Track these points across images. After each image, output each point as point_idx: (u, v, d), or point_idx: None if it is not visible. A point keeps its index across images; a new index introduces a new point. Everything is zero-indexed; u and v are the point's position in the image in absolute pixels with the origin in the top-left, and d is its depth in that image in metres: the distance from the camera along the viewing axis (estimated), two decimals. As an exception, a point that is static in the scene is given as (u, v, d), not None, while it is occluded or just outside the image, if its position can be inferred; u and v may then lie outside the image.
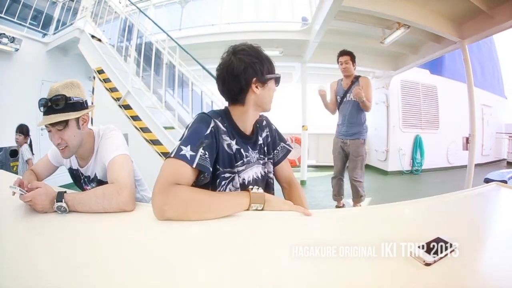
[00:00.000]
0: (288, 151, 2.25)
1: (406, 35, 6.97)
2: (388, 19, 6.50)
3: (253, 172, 1.96)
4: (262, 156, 2.06)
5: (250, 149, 1.94)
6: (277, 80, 1.91)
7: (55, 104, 1.89)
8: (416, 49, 8.59)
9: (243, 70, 1.75)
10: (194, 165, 1.57)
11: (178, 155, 1.56)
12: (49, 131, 1.96)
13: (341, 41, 8.17)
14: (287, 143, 2.27)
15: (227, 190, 1.81)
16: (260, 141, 2.05)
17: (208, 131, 1.69)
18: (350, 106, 5.29)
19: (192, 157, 1.57)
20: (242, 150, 1.88)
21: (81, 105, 2.02)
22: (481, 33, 6.21)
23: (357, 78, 5.25)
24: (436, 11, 6.27)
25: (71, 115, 1.94)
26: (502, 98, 15.60)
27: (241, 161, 1.88)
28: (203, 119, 1.76)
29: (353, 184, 5.44)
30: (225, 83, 1.81)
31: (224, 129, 1.80)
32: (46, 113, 1.91)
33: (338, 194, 5.82)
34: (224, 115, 1.88)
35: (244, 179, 1.89)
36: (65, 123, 1.94)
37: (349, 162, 5.49)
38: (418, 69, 10.69)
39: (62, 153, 2.05)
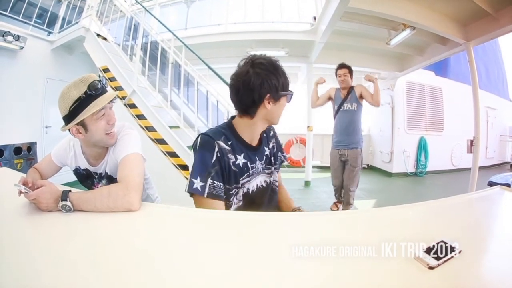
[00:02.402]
0: (282, 162, 2.31)
1: (412, 36, 6.95)
2: (393, 20, 6.49)
3: (257, 181, 2.02)
4: (268, 166, 2.11)
5: (257, 160, 2.00)
6: (289, 97, 1.93)
7: (104, 85, 2.01)
8: (421, 51, 8.56)
9: (259, 85, 1.79)
10: (205, 195, 1.72)
11: (192, 189, 1.73)
12: (103, 114, 2.01)
13: (347, 42, 8.19)
14: (284, 154, 2.32)
15: (233, 202, 1.88)
16: (267, 151, 2.10)
17: (214, 158, 1.78)
18: (347, 115, 5.51)
19: (202, 188, 1.72)
20: (248, 163, 1.94)
21: None
22: (487, 35, 6.19)
23: (352, 87, 5.52)
24: (441, 13, 6.25)
25: None
26: (507, 100, 15.54)
27: (247, 174, 1.94)
28: (207, 144, 1.81)
29: (348, 193, 5.64)
30: (239, 94, 1.84)
31: (229, 148, 1.86)
32: (103, 92, 2.00)
33: (338, 198, 5.98)
34: (229, 130, 1.94)
35: (248, 189, 1.96)
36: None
37: (346, 172, 5.62)
38: (423, 71, 10.63)
39: (112, 137, 2.10)
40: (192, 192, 1.74)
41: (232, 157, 1.85)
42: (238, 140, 1.92)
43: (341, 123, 5.55)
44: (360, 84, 5.51)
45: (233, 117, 2.03)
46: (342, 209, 5.86)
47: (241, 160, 1.90)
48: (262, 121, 1.93)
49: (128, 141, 2.06)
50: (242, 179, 1.92)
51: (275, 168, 2.16)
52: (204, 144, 1.81)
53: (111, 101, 2.02)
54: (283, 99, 1.90)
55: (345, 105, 5.47)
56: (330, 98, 5.75)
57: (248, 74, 1.79)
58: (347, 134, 5.47)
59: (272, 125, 2.16)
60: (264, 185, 2.08)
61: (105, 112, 2.00)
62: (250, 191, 1.97)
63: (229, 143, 1.87)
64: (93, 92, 1.93)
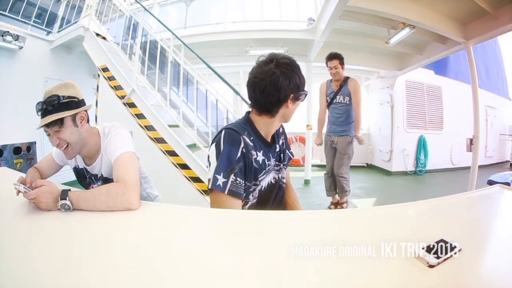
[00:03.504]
0: (290, 159, 2.33)
1: (411, 35, 6.96)
2: (393, 19, 6.49)
3: (269, 178, 2.03)
4: (278, 163, 2.12)
5: (271, 157, 2.01)
6: (304, 96, 1.94)
7: (50, 106, 1.92)
8: (421, 50, 8.56)
9: (287, 85, 1.80)
10: (226, 192, 1.69)
11: (215, 186, 1.70)
12: (48, 135, 2.00)
13: (346, 40, 8.19)
14: (291, 150, 2.34)
15: (249, 200, 1.89)
16: (278, 148, 2.11)
17: (239, 154, 1.76)
18: (339, 107, 5.46)
19: (224, 184, 1.69)
20: (266, 160, 1.96)
21: (76, 104, 2.04)
22: (486, 34, 6.18)
23: (346, 80, 5.40)
24: (441, 12, 6.25)
25: (65, 114, 1.96)
26: (506, 99, 15.53)
27: (264, 171, 1.96)
28: (234, 139, 1.80)
29: (339, 179, 5.59)
30: (264, 93, 1.82)
31: (252, 144, 1.86)
32: (42, 115, 1.95)
33: (330, 190, 5.95)
34: (249, 126, 1.94)
35: (262, 186, 1.96)
36: (61, 122, 1.96)
37: (335, 159, 5.59)
38: (422, 70, 10.64)
39: (66, 154, 2.08)
40: (215, 189, 1.71)
41: (254, 153, 1.86)
42: (258, 136, 1.94)
43: (333, 115, 5.53)
44: (355, 81, 5.41)
45: (248, 113, 2.03)
46: (338, 200, 5.90)
47: (260, 157, 1.91)
48: (279, 120, 1.96)
49: (119, 141, 2.05)
50: (260, 176, 1.92)
51: (283, 165, 2.18)
52: (230, 139, 1.80)
53: (46, 127, 1.99)
54: (300, 98, 1.92)
55: (337, 97, 5.41)
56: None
57: (275, 74, 1.78)
58: (338, 124, 5.46)
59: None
60: (273, 181, 2.09)
61: (49, 133, 1.99)
62: (263, 188, 1.98)
63: (251, 138, 1.87)
64: (38, 112, 1.97)
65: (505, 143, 14.07)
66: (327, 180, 5.93)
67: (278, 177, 2.13)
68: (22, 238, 1.40)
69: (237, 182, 1.72)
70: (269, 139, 2.02)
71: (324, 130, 5.81)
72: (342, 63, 5.33)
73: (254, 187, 1.90)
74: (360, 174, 10.41)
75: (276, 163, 2.09)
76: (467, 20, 6.34)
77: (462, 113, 10.25)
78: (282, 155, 2.15)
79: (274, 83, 1.78)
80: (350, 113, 5.43)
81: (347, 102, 5.37)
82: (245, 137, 1.81)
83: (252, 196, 1.91)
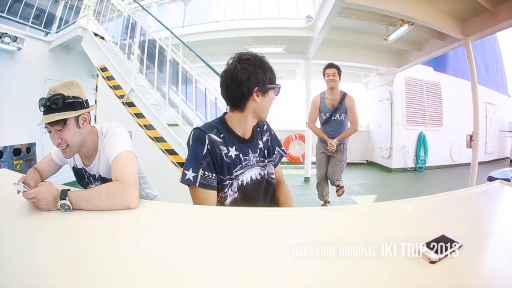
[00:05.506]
0: (282, 156, 2.40)
1: (410, 32, 6.94)
2: (391, 16, 6.48)
3: (251, 173, 2.09)
4: (262, 159, 2.18)
5: (250, 152, 2.08)
6: (277, 90, 2.02)
7: (54, 104, 1.90)
8: (420, 46, 8.56)
9: (247, 78, 1.89)
10: (197, 185, 1.84)
11: (184, 180, 1.85)
12: (49, 132, 1.97)
13: (345, 38, 8.19)
14: (282, 148, 2.41)
15: (228, 194, 1.96)
16: (260, 145, 2.18)
17: (205, 150, 1.88)
18: (336, 124, 5.50)
19: (194, 178, 1.84)
20: (241, 155, 2.03)
21: (80, 104, 2.02)
22: (485, 31, 6.18)
23: (343, 97, 5.39)
24: (440, 8, 6.24)
25: (69, 114, 1.94)
26: (506, 96, 15.54)
27: (240, 166, 2.03)
28: (200, 137, 1.92)
29: (333, 183, 5.75)
30: (228, 89, 1.95)
31: (221, 140, 1.95)
32: (45, 112, 1.93)
33: (325, 194, 5.98)
34: (220, 124, 2.04)
35: (242, 181, 2.04)
36: (64, 122, 1.95)
37: (330, 166, 5.65)
38: (422, 66, 10.62)
39: (64, 153, 2.06)
40: (184, 183, 1.85)
41: (224, 148, 1.94)
42: (230, 133, 2.02)
43: (329, 130, 5.55)
44: (351, 98, 5.39)
45: (225, 113, 2.11)
46: (337, 195, 6.02)
47: (233, 152, 1.98)
48: (251, 115, 2.01)
49: (117, 141, 2.04)
50: (236, 171, 2.00)
51: (269, 161, 2.23)
52: (196, 138, 1.92)
53: (48, 125, 1.96)
54: (271, 93, 2.00)
55: (335, 115, 5.43)
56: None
57: (235, 69, 1.90)
58: (334, 137, 5.47)
59: (265, 120, 2.25)
60: (259, 177, 2.14)
61: (50, 130, 1.97)
62: (245, 183, 2.05)
63: (221, 135, 1.96)
64: (40, 108, 1.97)
65: (505, 140, 14.10)
66: (320, 185, 5.92)
67: (264, 173, 2.18)
68: (23, 238, 1.39)
69: (206, 175, 1.86)
70: (247, 135, 2.10)
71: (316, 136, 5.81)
72: (339, 73, 5.36)
73: (230, 181, 1.97)
74: (360, 171, 10.47)
75: (260, 159, 2.16)
76: (466, 16, 6.34)
77: (462, 109, 10.25)
78: (267, 151, 2.22)
79: (235, 79, 1.89)
80: (345, 125, 5.49)
81: (343, 119, 5.43)
82: (211, 134, 1.92)
83: (231, 190, 1.98)
